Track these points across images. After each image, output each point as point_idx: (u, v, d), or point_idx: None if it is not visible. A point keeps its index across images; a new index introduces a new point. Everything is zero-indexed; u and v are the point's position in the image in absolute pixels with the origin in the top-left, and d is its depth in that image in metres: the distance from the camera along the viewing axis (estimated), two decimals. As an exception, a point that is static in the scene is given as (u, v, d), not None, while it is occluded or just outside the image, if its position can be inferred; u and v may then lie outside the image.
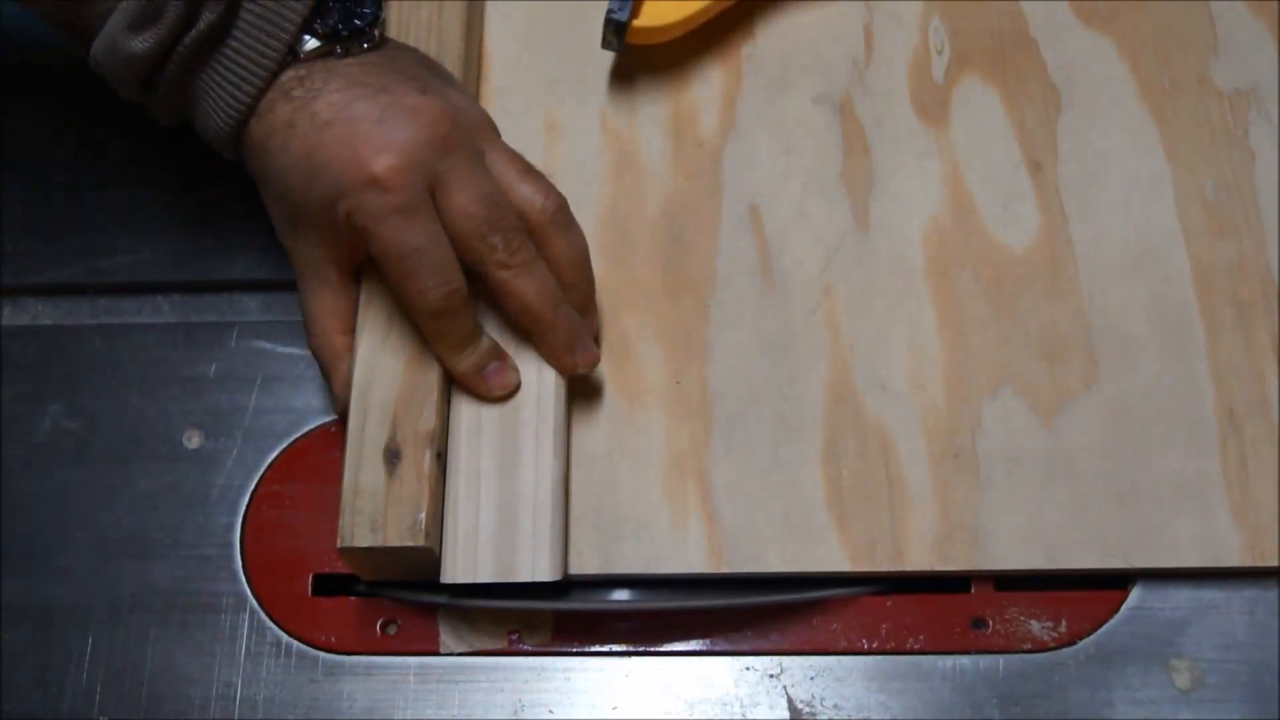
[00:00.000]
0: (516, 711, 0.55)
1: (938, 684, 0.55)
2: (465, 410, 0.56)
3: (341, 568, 0.58)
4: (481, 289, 0.55)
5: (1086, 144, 0.63)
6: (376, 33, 0.54)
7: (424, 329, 0.54)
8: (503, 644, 0.56)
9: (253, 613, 0.57)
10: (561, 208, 0.55)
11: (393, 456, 0.54)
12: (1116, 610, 0.56)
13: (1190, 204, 0.62)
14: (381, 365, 0.55)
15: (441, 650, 0.56)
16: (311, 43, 0.53)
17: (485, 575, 0.53)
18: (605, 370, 0.59)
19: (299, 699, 0.56)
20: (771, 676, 0.56)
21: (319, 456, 0.60)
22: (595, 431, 0.58)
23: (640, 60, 0.65)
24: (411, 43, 0.59)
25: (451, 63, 0.60)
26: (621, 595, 0.57)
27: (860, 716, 0.55)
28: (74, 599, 0.57)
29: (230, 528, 0.59)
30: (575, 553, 0.56)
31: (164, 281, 0.64)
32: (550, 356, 0.56)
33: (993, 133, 0.63)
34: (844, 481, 0.57)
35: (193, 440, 0.60)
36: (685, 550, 0.56)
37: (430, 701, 0.56)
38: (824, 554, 0.56)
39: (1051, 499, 0.57)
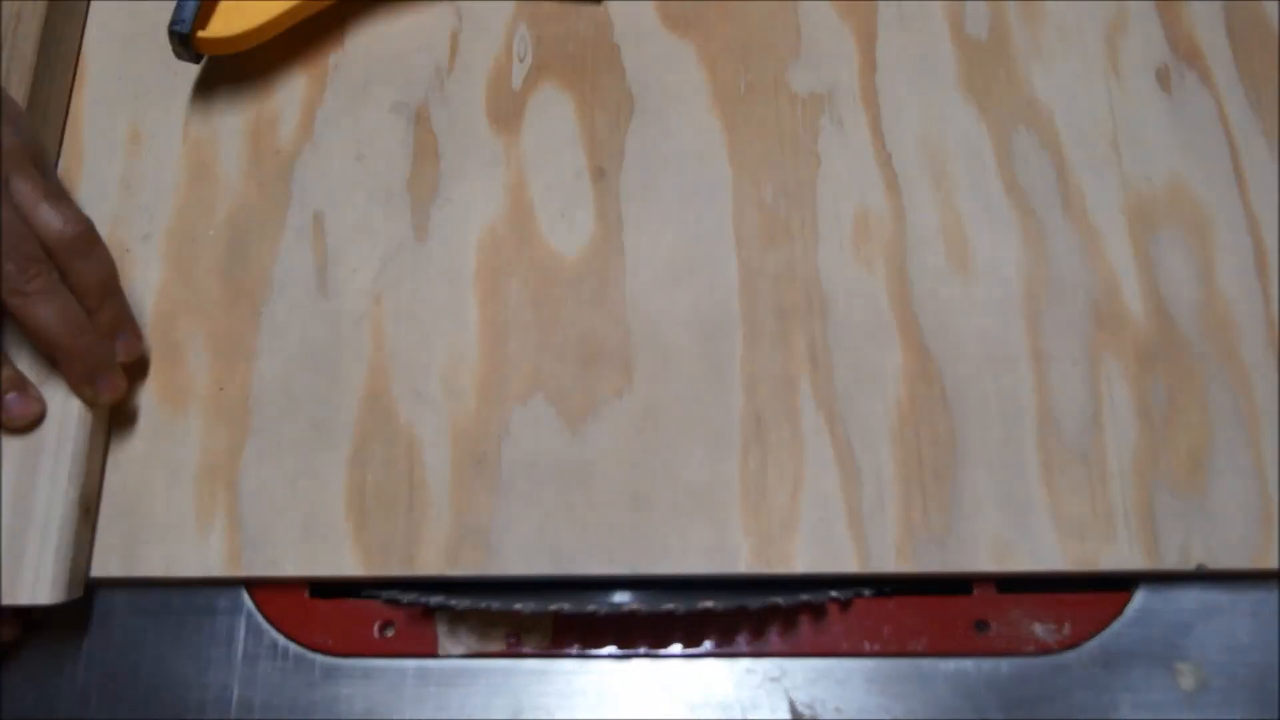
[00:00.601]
0: (516, 714, 0.56)
1: (940, 686, 0.55)
2: None
3: None
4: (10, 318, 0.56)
5: (653, 150, 0.63)
6: None
7: None
8: (501, 646, 0.57)
9: (250, 615, 0.58)
10: (83, 233, 0.55)
11: None
12: (1120, 612, 0.56)
13: (747, 210, 0.62)
14: None
15: (440, 652, 0.57)
16: None
17: None
18: (152, 376, 0.60)
19: (296, 702, 0.56)
20: (773, 679, 0.56)
21: None
22: (135, 436, 0.59)
23: (228, 69, 0.66)
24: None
25: (21, 74, 0.61)
26: (623, 598, 0.57)
27: (862, 719, 0.55)
28: (70, 600, 0.58)
29: None
30: (100, 556, 0.57)
31: None
32: (71, 383, 0.57)
33: (562, 140, 0.64)
34: (367, 486, 0.58)
35: None
36: (206, 554, 0.57)
37: (429, 704, 0.56)
38: (336, 558, 0.57)
39: (567, 505, 0.57)
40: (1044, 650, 0.56)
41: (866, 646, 0.56)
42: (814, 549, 0.56)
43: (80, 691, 0.57)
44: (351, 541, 0.57)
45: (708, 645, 0.57)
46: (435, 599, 0.56)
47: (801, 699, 0.55)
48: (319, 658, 0.57)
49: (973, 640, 0.56)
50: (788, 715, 0.55)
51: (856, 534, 0.56)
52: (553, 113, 0.64)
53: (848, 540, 0.56)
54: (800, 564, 0.56)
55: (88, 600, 0.58)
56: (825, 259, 0.61)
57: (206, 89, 0.66)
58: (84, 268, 0.56)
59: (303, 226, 0.63)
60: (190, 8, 0.61)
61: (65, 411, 0.57)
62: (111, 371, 0.57)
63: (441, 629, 0.57)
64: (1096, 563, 0.55)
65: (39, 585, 0.55)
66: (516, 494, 0.58)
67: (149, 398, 0.60)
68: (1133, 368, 0.58)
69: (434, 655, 0.57)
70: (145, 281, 0.62)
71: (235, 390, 0.60)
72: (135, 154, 0.65)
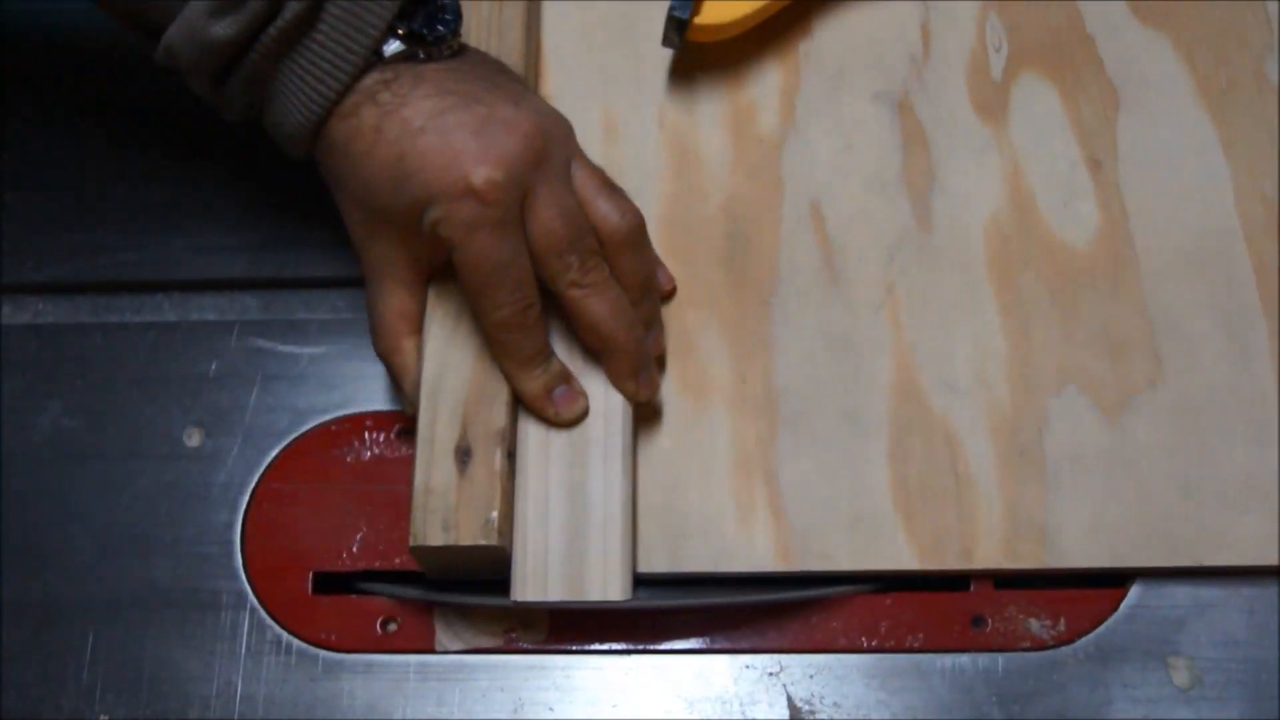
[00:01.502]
0: (516, 710, 0.55)
1: (937, 682, 0.55)
2: (533, 430, 0.55)
3: (341, 566, 0.58)
4: (553, 308, 0.55)
5: (1145, 142, 0.63)
6: (457, 40, 0.54)
7: (493, 343, 0.54)
8: (499, 642, 0.56)
9: (253, 611, 0.57)
10: (638, 227, 0.55)
11: (464, 455, 0.54)
12: (1116, 608, 0.56)
13: (1250, 202, 0.62)
14: (450, 364, 0.55)
15: (437, 649, 0.56)
16: (395, 45, 0.52)
17: (556, 594, 0.53)
18: (670, 367, 0.59)
19: (299, 697, 0.56)
20: (771, 675, 0.56)
21: (319, 455, 0.60)
22: (661, 429, 0.58)
23: (698, 58, 0.65)
24: (472, 41, 0.59)
25: (513, 63, 0.60)
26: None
27: (859, 715, 0.55)
28: (74, 597, 0.57)
29: (230, 526, 0.59)
30: (643, 551, 0.56)
31: (164, 280, 0.63)
32: (615, 378, 0.56)
33: (1052, 130, 0.63)
34: (911, 479, 0.57)
35: (193, 438, 0.60)
36: (753, 548, 0.56)
37: (430, 699, 0.56)
38: (892, 552, 0.56)
39: (1117, 497, 0.57)
40: (1040, 646, 0.56)
41: (864, 642, 0.56)
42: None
43: (84, 687, 0.56)
44: (904, 535, 0.56)
45: (707, 641, 0.57)
46: (436, 595, 0.56)
47: (800, 694, 0.55)
48: (322, 653, 0.57)
49: (969, 636, 0.56)
50: (786, 711, 0.55)
51: None
52: (1038, 102, 0.64)
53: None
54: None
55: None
56: (1335, 251, 0.61)
57: (681, 78, 0.65)
58: (633, 263, 0.55)
59: (801, 215, 0.62)
60: (689, -5, 0.61)
61: (609, 407, 0.56)
62: (651, 367, 0.56)
63: (439, 625, 0.57)
64: None
65: (608, 583, 0.53)
66: (1064, 485, 0.57)
67: (670, 391, 0.59)
68: None
69: (435, 651, 0.57)
70: (648, 270, 0.60)
71: (758, 381, 0.59)
72: (613, 142, 0.63)
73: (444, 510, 0.53)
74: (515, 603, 0.53)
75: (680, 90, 0.64)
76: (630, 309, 0.55)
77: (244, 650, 0.56)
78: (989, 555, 0.56)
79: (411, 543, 0.52)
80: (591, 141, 0.63)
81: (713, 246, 0.61)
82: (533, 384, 0.54)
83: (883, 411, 0.58)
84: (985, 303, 0.60)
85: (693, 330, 0.60)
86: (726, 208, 0.62)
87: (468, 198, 0.50)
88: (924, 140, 0.63)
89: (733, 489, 0.57)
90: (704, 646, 0.56)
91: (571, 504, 0.54)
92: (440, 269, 0.55)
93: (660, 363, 0.59)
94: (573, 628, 0.56)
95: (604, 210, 0.54)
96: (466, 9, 0.60)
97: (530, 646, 0.56)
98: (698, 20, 0.62)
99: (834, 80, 0.65)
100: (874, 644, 0.56)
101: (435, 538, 0.52)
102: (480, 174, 0.50)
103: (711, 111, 0.64)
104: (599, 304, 0.54)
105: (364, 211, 0.54)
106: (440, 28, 0.53)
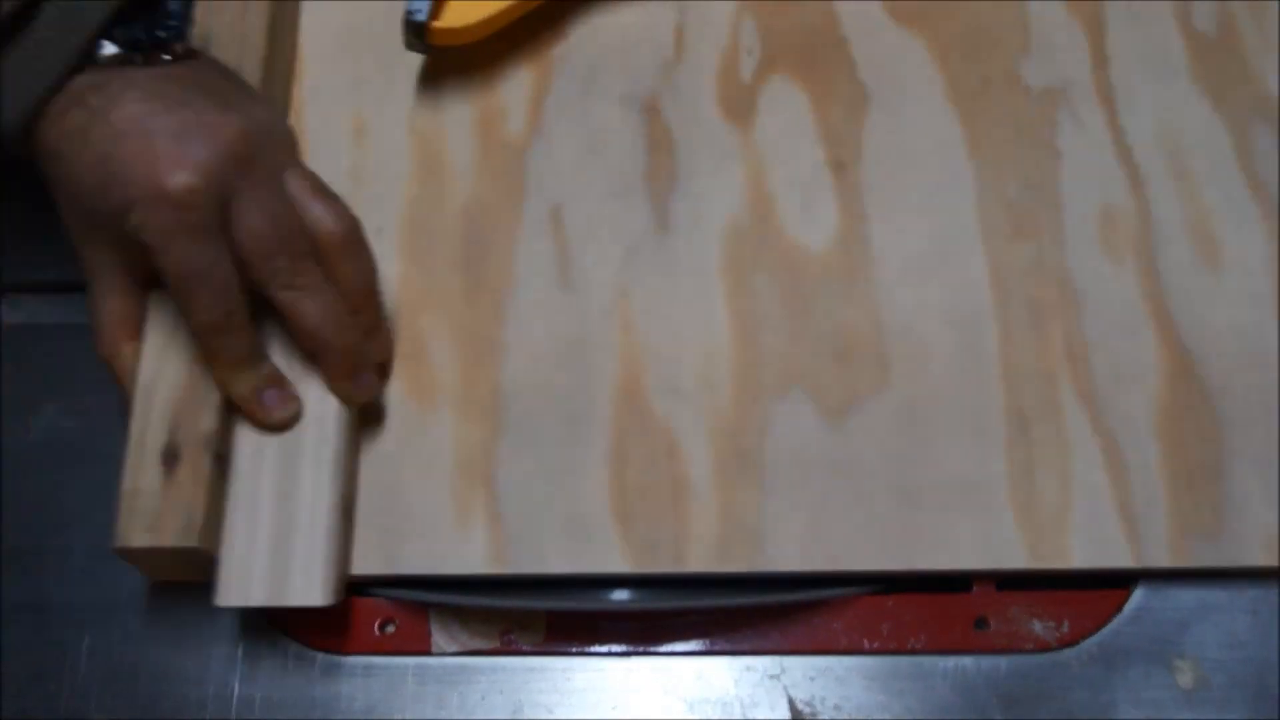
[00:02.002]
0: (516, 712, 0.55)
1: (939, 684, 0.55)
2: (247, 435, 0.56)
3: None
4: (271, 312, 0.55)
5: (892, 144, 0.63)
6: (179, 46, 0.54)
7: (200, 346, 0.54)
8: (495, 644, 0.57)
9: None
10: (351, 231, 0.55)
11: (171, 458, 0.54)
12: (1119, 610, 0.56)
13: (992, 204, 0.62)
14: (165, 368, 0.55)
15: (433, 650, 0.56)
16: (110, 49, 0.53)
17: (259, 598, 0.53)
18: (398, 371, 0.59)
19: (297, 699, 0.56)
20: (772, 677, 0.56)
21: None
22: (386, 433, 0.58)
23: (451, 61, 0.65)
24: (214, 45, 0.59)
25: (254, 66, 0.60)
26: (621, 595, 0.57)
27: (861, 717, 0.55)
28: (71, 598, 0.58)
29: None
30: (360, 553, 0.56)
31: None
32: (329, 381, 0.56)
33: (798, 133, 0.63)
34: (629, 483, 0.57)
35: None
36: (469, 551, 0.56)
37: (429, 701, 0.56)
38: (604, 556, 0.56)
39: (835, 501, 0.57)
40: (1043, 648, 0.56)
41: (866, 644, 0.56)
42: (1088, 544, 0.56)
43: (81, 688, 0.56)
44: (619, 539, 0.56)
45: (707, 643, 0.57)
46: (435, 597, 0.56)
47: (801, 696, 0.55)
48: (319, 655, 0.57)
49: (972, 638, 0.56)
50: (787, 713, 0.55)
51: (1130, 529, 0.56)
52: (786, 105, 0.64)
53: (1120, 535, 0.56)
54: (1077, 558, 0.56)
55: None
56: (1073, 254, 0.61)
57: (431, 81, 0.65)
58: (349, 266, 0.55)
59: (540, 219, 0.62)
60: (427, -3, 0.61)
61: (323, 411, 0.56)
62: (370, 369, 0.56)
63: (435, 627, 0.57)
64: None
65: (310, 588, 0.53)
66: (781, 489, 0.57)
67: (397, 393, 0.59)
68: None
69: (433, 653, 0.57)
70: (383, 275, 0.60)
71: (485, 385, 0.59)
72: (361, 146, 0.64)
73: (148, 512, 0.53)
74: (219, 607, 0.53)
75: (430, 95, 0.65)
76: (343, 311, 0.55)
77: (241, 652, 0.57)
78: (700, 558, 0.56)
79: (114, 544, 0.53)
80: (340, 146, 0.63)
81: (451, 251, 0.61)
82: (241, 386, 0.55)
83: (606, 415, 0.58)
84: (716, 306, 0.60)
85: (425, 334, 0.60)
86: (467, 212, 0.62)
87: (163, 204, 0.51)
88: (669, 143, 0.63)
89: (452, 492, 0.57)
90: (705, 648, 0.57)
91: (280, 508, 0.54)
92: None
93: (387, 367, 0.59)
94: (571, 630, 0.57)
95: (317, 214, 0.54)
96: (210, 10, 0.61)
97: (530, 648, 0.56)
98: (438, 24, 0.62)
99: (585, 83, 0.65)
100: (876, 645, 0.56)
101: (139, 539, 0.53)
102: (177, 179, 0.51)
103: (461, 116, 0.64)
104: (311, 307, 0.54)
105: (76, 215, 0.54)
106: (160, 33, 0.54)
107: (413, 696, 0.56)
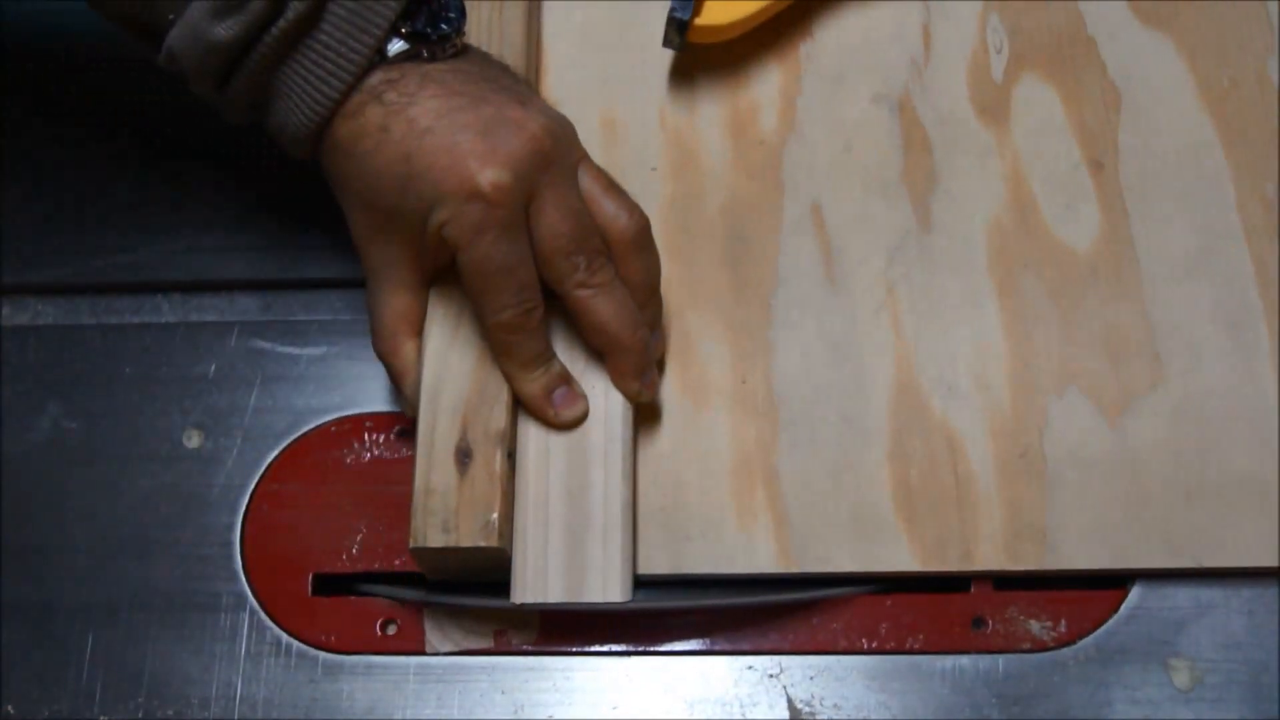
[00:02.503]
0: (516, 711, 0.55)
1: (937, 684, 0.55)
2: (533, 433, 0.55)
3: (341, 567, 0.58)
4: (554, 310, 0.55)
5: (1146, 143, 0.63)
6: (460, 40, 0.54)
7: (495, 344, 0.54)
8: (488, 643, 0.56)
9: (253, 612, 0.57)
10: (644, 228, 0.54)
11: (464, 456, 0.53)
12: (1116, 610, 0.56)
13: (1251, 203, 0.62)
14: (451, 366, 0.55)
15: (427, 650, 0.56)
16: (399, 44, 0.52)
17: (556, 596, 0.53)
18: (670, 369, 0.59)
19: (299, 699, 0.56)
20: (771, 676, 0.56)
21: (319, 456, 0.60)
22: (661, 431, 0.58)
23: (698, 59, 0.65)
24: (473, 42, 0.59)
25: (514, 63, 0.60)
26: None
27: (860, 716, 0.55)
28: (74, 598, 0.57)
29: (230, 527, 0.59)
30: (644, 553, 0.56)
31: (164, 281, 0.63)
32: (618, 379, 0.55)
33: (1053, 132, 0.63)
34: (912, 481, 0.57)
35: (192, 440, 0.60)
36: (754, 550, 0.56)
37: (430, 701, 0.56)
38: (893, 554, 0.56)
39: (1118, 499, 0.57)
40: (1040, 647, 0.56)
41: (864, 644, 0.56)
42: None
43: (84, 688, 0.56)
44: (904, 537, 0.56)
45: (707, 642, 0.57)
46: (436, 597, 0.56)
47: (800, 696, 0.55)
48: (321, 655, 0.57)
49: (969, 638, 0.56)
50: (786, 712, 0.55)
51: None
52: (1039, 104, 0.64)
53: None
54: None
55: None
56: (1337, 252, 0.61)
57: (682, 78, 0.64)
58: (639, 264, 0.54)
59: (801, 217, 0.62)
60: (690, -5, 0.61)
61: (609, 409, 0.56)
62: (654, 368, 0.56)
63: (429, 626, 0.57)
64: None
65: (609, 585, 0.53)
66: (1065, 487, 0.57)
67: (670, 393, 0.59)
68: None
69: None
70: (650, 272, 0.60)
71: (758, 383, 0.59)
72: (613, 143, 0.63)
73: (444, 511, 0.53)
74: (517, 605, 0.53)
75: (681, 91, 0.64)
76: (635, 310, 0.55)
77: (243, 652, 0.56)
78: (989, 557, 0.56)
79: (411, 543, 0.52)
80: (592, 142, 0.62)
81: (713, 248, 0.61)
82: (533, 385, 0.54)
83: (883, 413, 0.58)
84: (986, 304, 0.60)
85: (693, 332, 0.60)
86: (727, 209, 0.62)
87: (474, 200, 0.50)
88: (925, 142, 0.63)
89: (733, 491, 0.57)
90: (704, 648, 0.56)
91: (571, 506, 0.54)
92: (442, 270, 0.55)
93: (661, 365, 0.59)
94: (563, 628, 0.56)
95: (611, 211, 0.54)
96: (467, 9, 0.60)
97: (529, 648, 0.56)
98: (698, 21, 0.61)
99: (834, 82, 0.65)
100: (874, 645, 0.56)
101: (435, 539, 0.52)
102: (487, 175, 0.50)
103: (712, 112, 0.64)
104: (605, 304, 0.54)
105: (368, 212, 0.54)
106: (444, 26, 0.53)
107: (414, 696, 0.56)
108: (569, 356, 0.56)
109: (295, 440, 0.60)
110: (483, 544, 0.52)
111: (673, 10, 0.61)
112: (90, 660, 0.56)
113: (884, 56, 0.65)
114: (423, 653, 0.56)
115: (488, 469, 0.53)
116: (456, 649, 0.56)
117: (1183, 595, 0.56)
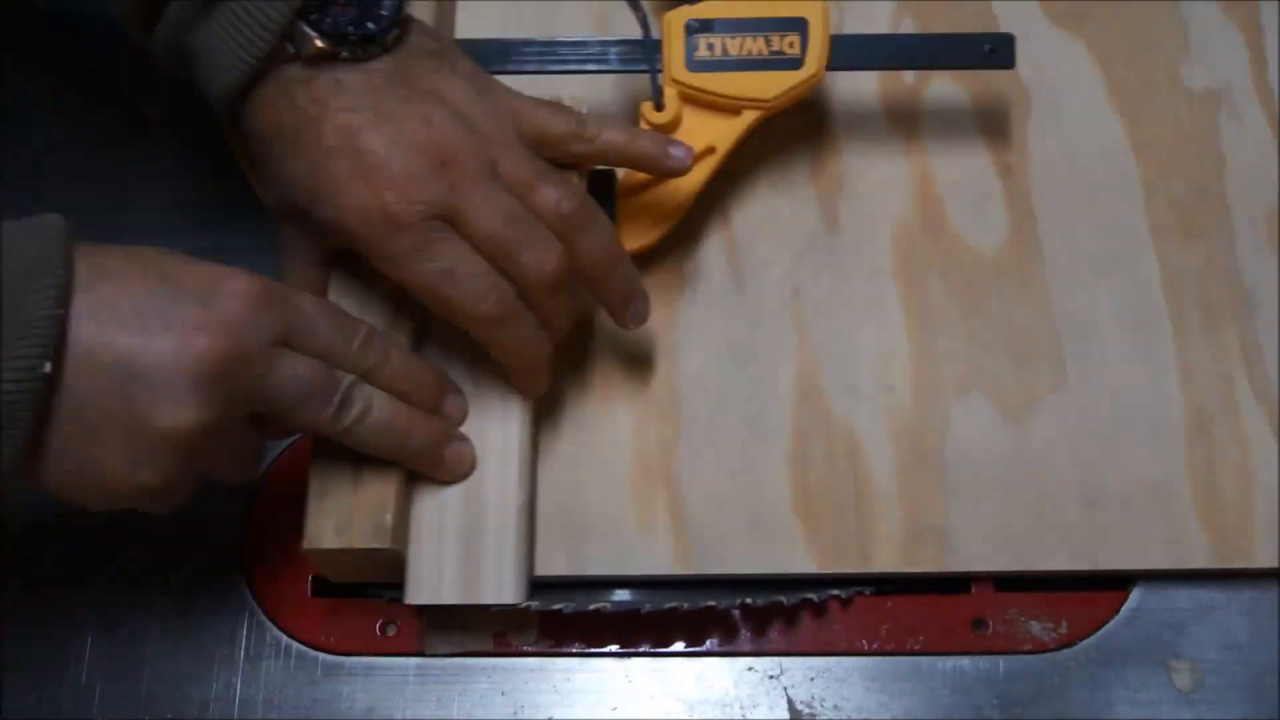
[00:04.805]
0: (516, 712, 0.55)
1: (938, 685, 0.55)
2: None
3: None
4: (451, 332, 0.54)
5: (1056, 146, 0.63)
6: (389, 38, 0.53)
7: (489, 344, 0.53)
8: (488, 645, 0.56)
9: (252, 613, 0.57)
10: (580, 207, 0.53)
11: (360, 458, 0.53)
12: (1117, 611, 0.56)
13: (1159, 205, 0.62)
14: None
15: (426, 651, 0.56)
16: (317, 42, 0.51)
17: (450, 597, 0.53)
18: (572, 372, 0.59)
19: (298, 699, 0.56)
20: (771, 677, 0.56)
21: None
22: (562, 433, 0.58)
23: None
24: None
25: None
26: (622, 595, 0.56)
27: (860, 717, 0.55)
28: (73, 598, 0.57)
29: (230, 528, 0.59)
30: (542, 554, 0.56)
31: None
32: (612, 309, 0.56)
33: (962, 134, 0.63)
34: (811, 483, 0.57)
35: None
36: (652, 552, 0.56)
37: (430, 702, 0.56)
38: (790, 556, 0.56)
39: (1019, 501, 0.57)
40: (1041, 649, 0.56)
41: (865, 645, 0.56)
42: (1272, 544, 0.56)
43: (83, 690, 0.56)
44: (802, 539, 0.56)
45: (707, 643, 0.56)
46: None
47: (800, 697, 0.55)
48: (321, 656, 0.57)
49: (970, 639, 0.56)
50: (786, 713, 0.55)
51: (1316, 530, 0.56)
52: (949, 107, 0.64)
53: (1306, 537, 0.56)
54: (1261, 558, 0.56)
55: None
56: (1244, 255, 0.61)
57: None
58: (586, 240, 0.53)
59: (708, 218, 0.62)
60: None
61: (505, 414, 0.55)
62: (642, 297, 0.56)
63: (429, 627, 0.57)
64: None
65: (501, 586, 0.53)
66: (965, 489, 0.57)
67: (572, 395, 0.59)
68: None
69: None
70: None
71: (661, 386, 0.59)
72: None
73: (338, 513, 0.53)
74: (409, 604, 0.53)
75: (592, 92, 0.64)
76: (615, 242, 0.54)
77: (243, 653, 0.56)
78: (887, 558, 0.56)
79: (305, 545, 0.52)
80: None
81: (620, 250, 0.61)
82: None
83: (785, 415, 0.58)
84: (891, 306, 0.60)
85: (598, 334, 0.60)
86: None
87: (383, 228, 0.50)
88: (833, 143, 0.63)
89: (633, 493, 0.57)
90: (705, 649, 0.56)
91: (467, 508, 0.54)
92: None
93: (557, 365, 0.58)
94: (562, 629, 0.56)
95: (544, 195, 0.52)
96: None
97: (529, 649, 0.56)
98: None
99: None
100: (875, 646, 0.56)
101: (329, 540, 0.52)
102: (388, 201, 0.50)
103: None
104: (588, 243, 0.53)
105: (282, 201, 0.54)
106: (370, 25, 0.52)
107: (413, 697, 0.56)
108: (467, 364, 0.56)
109: (296, 441, 0.59)
110: (375, 545, 0.52)
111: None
112: (89, 661, 0.56)
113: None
114: (422, 653, 0.56)
115: (382, 471, 0.53)
116: (456, 650, 0.56)
117: (1184, 597, 0.56)
